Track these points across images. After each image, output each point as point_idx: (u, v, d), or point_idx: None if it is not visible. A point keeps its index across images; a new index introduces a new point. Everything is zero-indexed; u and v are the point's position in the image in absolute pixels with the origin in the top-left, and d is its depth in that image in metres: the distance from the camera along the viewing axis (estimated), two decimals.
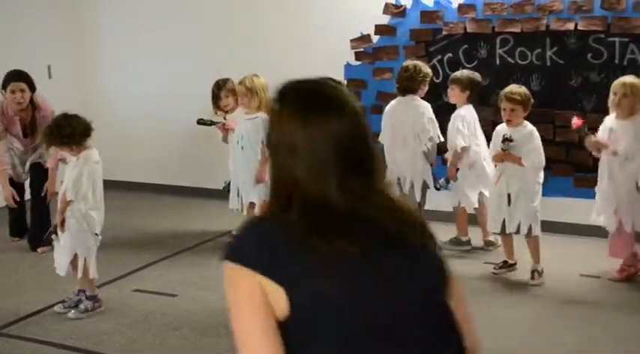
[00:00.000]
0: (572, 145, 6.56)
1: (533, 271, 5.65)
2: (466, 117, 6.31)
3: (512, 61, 7.01)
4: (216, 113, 6.88)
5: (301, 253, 1.62)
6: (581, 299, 5.31)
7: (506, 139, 5.58)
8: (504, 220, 5.67)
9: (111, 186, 7.86)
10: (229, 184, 6.70)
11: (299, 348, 1.61)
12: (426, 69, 6.35)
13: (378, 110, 7.14)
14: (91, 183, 4.89)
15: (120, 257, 6.23)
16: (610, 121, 5.66)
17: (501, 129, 5.76)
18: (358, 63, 7.66)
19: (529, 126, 5.68)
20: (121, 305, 5.15)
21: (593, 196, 5.94)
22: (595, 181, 5.93)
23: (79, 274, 4.97)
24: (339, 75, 6.65)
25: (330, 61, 7.38)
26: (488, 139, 6.16)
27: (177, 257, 6.34)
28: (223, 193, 7.00)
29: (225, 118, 6.69)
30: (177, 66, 8.72)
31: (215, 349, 4.41)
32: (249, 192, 6.40)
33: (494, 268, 5.88)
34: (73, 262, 4.94)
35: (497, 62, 7.04)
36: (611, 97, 5.57)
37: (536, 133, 5.66)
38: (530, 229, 5.62)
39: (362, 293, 1.64)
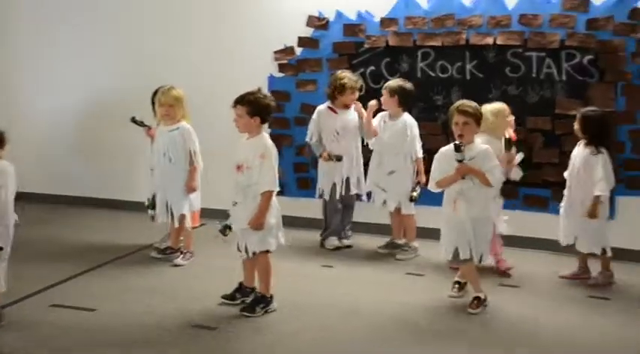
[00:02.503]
0: None
1: (475, 299, 5.35)
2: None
3: (434, 75, 7.12)
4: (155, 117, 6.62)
5: None
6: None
7: (459, 146, 5.14)
8: (457, 248, 5.28)
9: (27, 198, 7.69)
10: (153, 198, 6.51)
11: None
12: (345, 81, 6.65)
13: (302, 122, 7.23)
14: None
15: (38, 271, 5.99)
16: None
17: (446, 149, 5.34)
18: (282, 75, 7.66)
19: (482, 144, 5.34)
20: (37, 321, 4.93)
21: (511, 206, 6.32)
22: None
23: None
24: (262, 87, 6.57)
25: (253, 73, 7.39)
26: None
27: (98, 270, 6.15)
28: (141, 206, 6.82)
29: (158, 125, 6.52)
30: (94, 79, 8.58)
31: None
32: (181, 204, 6.33)
33: (454, 293, 5.59)
34: None
35: (419, 75, 7.14)
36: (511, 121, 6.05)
37: (492, 151, 5.34)
38: (481, 258, 5.36)
39: None
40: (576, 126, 5.86)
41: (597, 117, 5.81)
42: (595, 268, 6.04)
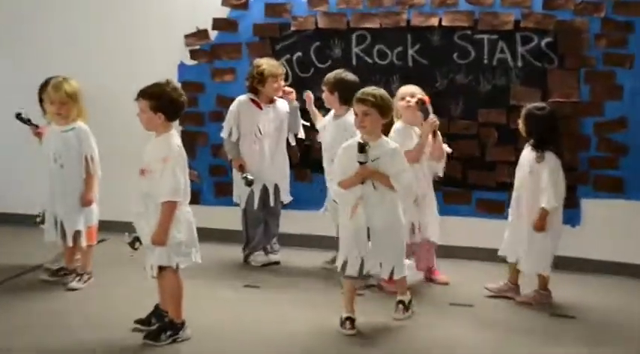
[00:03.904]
0: None
1: (398, 302, 5.01)
2: None
3: (371, 61, 6.57)
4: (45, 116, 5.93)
5: None
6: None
7: (363, 146, 4.62)
8: (362, 261, 4.78)
9: None
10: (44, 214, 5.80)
11: None
12: (263, 67, 6.12)
13: (219, 117, 6.63)
14: None
15: None
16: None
17: (349, 144, 4.83)
18: (194, 62, 7.00)
19: (391, 142, 4.85)
20: None
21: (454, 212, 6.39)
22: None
23: None
24: (171, 76, 5.90)
25: (161, 60, 6.85)
26: None
27: None
28: (27, 219, 6.19)
29: (49, 123, 5.77)
30: None
31: None
32: (74, 218, 5.64)
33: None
34: None
35: (354, 62, 6.56)
36: (403, 102, 5.55)
37: (402, 152, 4.84)
38: (392, 272, 4.84)
39: None
40: (520, 125, 5.32)
41: (544, 116, 5.22)
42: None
